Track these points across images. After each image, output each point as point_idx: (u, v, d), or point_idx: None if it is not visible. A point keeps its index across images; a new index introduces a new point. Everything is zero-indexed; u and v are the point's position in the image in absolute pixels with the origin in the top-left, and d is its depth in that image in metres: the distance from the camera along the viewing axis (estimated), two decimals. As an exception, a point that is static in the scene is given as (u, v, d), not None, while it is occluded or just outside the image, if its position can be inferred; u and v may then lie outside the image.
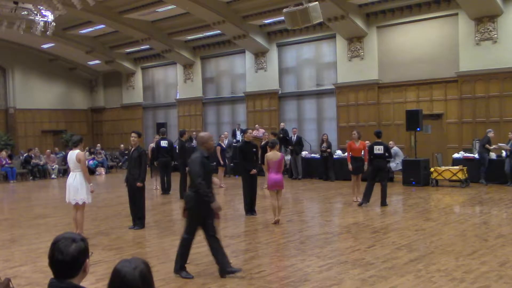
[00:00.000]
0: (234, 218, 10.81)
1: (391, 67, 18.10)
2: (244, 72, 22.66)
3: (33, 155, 21.82)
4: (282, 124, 19.68)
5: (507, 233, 8.42)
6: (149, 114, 27.58)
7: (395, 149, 16.40)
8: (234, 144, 20.13)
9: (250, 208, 10.86)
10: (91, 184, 8.94)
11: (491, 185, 14.46)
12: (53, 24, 16.92)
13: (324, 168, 17.37)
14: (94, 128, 30.48)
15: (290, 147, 18.10)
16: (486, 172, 14.70)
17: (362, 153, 12.28)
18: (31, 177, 21.44)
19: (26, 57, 27.22)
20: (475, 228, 8.96)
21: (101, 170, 23.10)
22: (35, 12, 16.70)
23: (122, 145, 25.65)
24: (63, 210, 11.76)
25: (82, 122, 30.00)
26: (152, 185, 15.65)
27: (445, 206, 11.59)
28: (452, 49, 16.69)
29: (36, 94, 27.63)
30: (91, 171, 21.29)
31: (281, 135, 18.18)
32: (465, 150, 15.82)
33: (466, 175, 14.42)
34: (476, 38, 16.07)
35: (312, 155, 18.83)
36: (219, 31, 21.59)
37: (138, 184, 9.51)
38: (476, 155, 15.07)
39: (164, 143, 14.74)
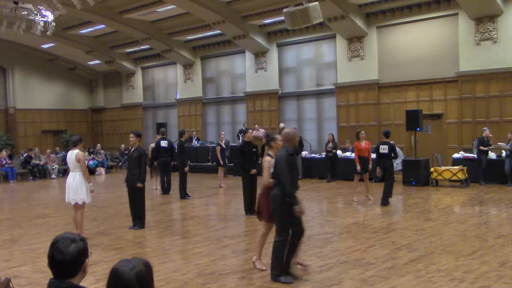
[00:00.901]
0: (234, 218, 10.82)
1: (391, 67, 18.10)
2: (244, 72, 22.67)
3: (33, 155, 21.82)
4: (282, 124, 19.66)
5: (507, 233, 8.42)
6: (149, 114, 27.59)
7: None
8: (233, 144, 20.15)
9: (250, 208, 10.84)
10: (91, 184, 8.94)
11: (491, 185, 14.45)
12: (53, 24, 16.92)
13: (329, 168, 17.22)
14: (94, 128, 30.49)
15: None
16: (483, 173, 14.70)
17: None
18: (31, 177, 21.44)
19: (26, 57, 27.23)
20: (475, 228, 8.95)
21: (101, 170, 23.11)
22: (35, 12, 16.70)
23: (122, 145, 25.66)
24: (63, 210, 11.77)
25: (82, 122, 30.01)
26: (152, 185, 15.65)
27: (445, 206, 11.58)
28: (452, 49, 16.69)
29: (36, 94, 27.64)
30: (91, 171, 21.30)
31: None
32: (465, 150, 15.82)
33: (466, 175, 14.42)
34: (476, 38, 16.08)
35: (312, 155, 18.83)
36: (219, 31, 21.60)
37: (138, 184, 9.51)
38: (476, 156, 15.07)
39: (164, 143, 14.74)
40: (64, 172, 21.46)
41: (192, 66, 24.70)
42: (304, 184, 16.54)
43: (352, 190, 12.81)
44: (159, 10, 20.56)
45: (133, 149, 9.74)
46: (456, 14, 16.50)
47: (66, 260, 2.41)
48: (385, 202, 11.58)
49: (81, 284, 2.51)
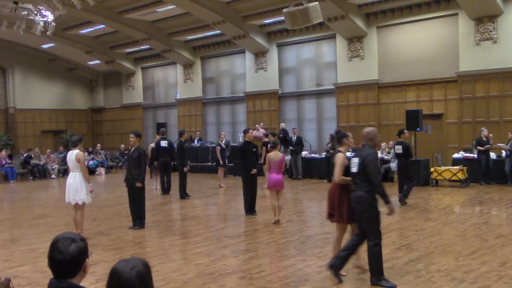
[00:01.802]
0: (234, 218, 10.82)
1: (391, 67, 18.10)
2: (244, 72, 22.67)
3: (33, 155, 21.83)
4: (282, 124, 19.68)
5: (507, 233, 8.42)
6: (149, 114, 27.59)
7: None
8: (233, 144, 20.15)
9: (250, 208, 10.86)
10: (90, 184, 8.94)
11: (491, 185, 14.45)
12: (53, 24, 16.91)
13: (327, 168, 17.15)
14: (94, 128, 30.49)
15: (290, 147, 18.09)
16: (482, 174, 14.70)
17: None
18: (31, 177, 21.44)
19: (26, 57, 27.22)
20: (475, 228, 8.95)
21: (101, 170, 23.11)
22: (35, 12, 16.70)
23: (122, 145, 25.66)
24: (63, 210, 11.76)
25: (82, 122, 30.01)
26: (152, 185, 15.65)
27: (445, 206, 11.59)
28: (452, 49, 16.69)
29: (36, 94, 27.63)
30: (91, 171, 21.31)
31: (281, 135, 18.18)
32: (465, 150, 15.81)
33: (466, 175, 14.42)
34: (476, 38, 16.08)
35: (312, 155, 18.83)
36: (219, 31, 21.60)
37: (138, 184, 9.51)
38: (476, 156, 15.08)
39: (164, 143, 14.73)
40: (64, 172, 21.47)
41: (192, 66, 24.70)
42: (304, 184, 16.56)
43: None
44: (159, 10, 20.56)
45: (133, 149, 9.74)
46: (456, 14, 16.50)
47: (66, 260, 2.41)
48: (403, 202, 11.55)
49: (81, 284, 2.51)
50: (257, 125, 20.03)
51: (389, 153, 16.53)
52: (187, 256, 7.59)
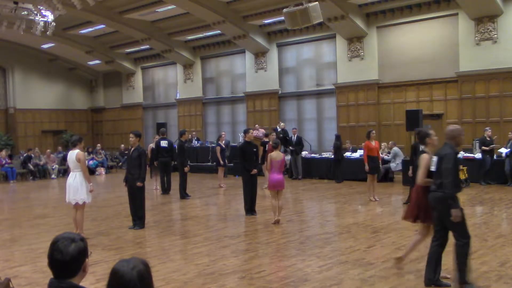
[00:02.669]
0: (234, 218, 10.82)
1: (391, 67, 18.10)
2: (244, 72, 22.67)
3: (33, 155, 21.82)
4: (282, 124, 19.69)
5: (507, 233, 8.42)
6: (149, 114, 27.59)
7: (395, 149, 16.41)
8: (233, 144, 20.16)
9: (250, 208, 10.86)
10: (91, 184, 8.95)
11: (491, 185, 14.45)
12: (53, 24, 16.91)
13: (333, 168, 17.11)
14: (94, 128, 30.49)
15: (290, 147, 18.08)
16: (485, 174, 14.70)
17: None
18: (31, 177, 21.44)
19: (26, 57, 27.22)
20: (475, 228, 8.94)
21: (101, 170, 23.11)
22: (35, 12, 16.70)
23: (122, 145, 25.66)
24: (63, 210, 11.76)
25: (82, 122, 30.01)
26: (152, 185, 15.65)
27: (445, 206, 11.56)
28: (452, 49, 16.69)
29: (36, 94, 27.64)
30: (91, 171, 21.29)
31: (281, 135, 18.18)
32: (465, 150, 15.81)
33: (466, 175, 14.41)
34: (476, 38, 16.08)
35: (312, 155, 18.82)
36: (219, 31, 21.60)
37: (138, 184, 9.52)
38: (476, 156, 15.08)
39: (164, 143, 14.74)
40: (64, 172, 21.47)
41: (192, 66, 24.70)
42: (304, 184, 16.56)
43: (368, 191, 12.61)
44: (159, 10, 20.56)
45: (133, 149, 9.74)
46: (456, 14, 16.50)
47: (66, 260, 2.41)
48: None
49: (81, 284, 2.51)
50: (256, 125, 20.03)
51: (389, 153, 16.54)
52: (187, 256, 7.59)
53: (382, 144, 16.58)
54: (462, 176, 14.33)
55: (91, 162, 22.39)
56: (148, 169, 12.29)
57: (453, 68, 16.61)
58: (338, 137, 17.03)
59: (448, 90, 16.96)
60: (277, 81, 21.49)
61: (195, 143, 22.65)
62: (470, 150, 15.61)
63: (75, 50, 25.73)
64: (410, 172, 11.60)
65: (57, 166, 22.23)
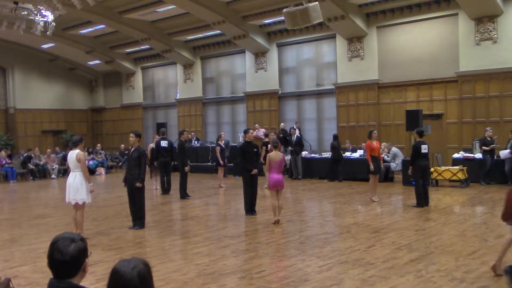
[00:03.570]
0: (234, 218, 10.81)
1: (391, 67, 18.10)
2: (244, 72, 22.67)
3: (33, 155, 21.82)
4: (282, 124, 19.68)
5: (507, 233, 8.40)
6: (149, 114, 27.59)
7: (394, 149, 16.42)
8: (233, 144, 20.15)
9: (250, 208, 10.86)
10: (91, 184, 8.95)
11: (491, 185, 14.45)
12: (53, 24, 16.92)
13: (332, 168, 17.14)
14: (94, 128, 30.49)
15: (290, 147, 18.08)
16: (485, 174, 14.69)
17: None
18: (31, 177, 21.44)
19: (26, 57, 27.23)
20: (475, 228, 8.95)
21: (101, 170, 23.11)
22: (35, 12, 16.71)
23: (122, 145, 25.66)
24: (63, 210, 11.76)
25: (82, 122, 30.01)
26: (152, 185, 15.66)
27: (445, 206, 11.58)
28: (452, 49, 16.69)
29: (36, 94, 27.64)
30: (91, 171, 21.29)
31: (281, 135, 18.18)
32: (465, 150, 15.81)
33: (466, 175, 14.42)
34: (476, 38, 16.07)
35: (312, 155, 18.82)
36: (219, 31, 21.60)
37: (138, 184, 9.51)
38: (476, 155, 15.08)
39: (164, 143, 14.74)
40: (64, 172, 21.47)
41: (192, 66, 24.71)
42: (304, 184, 16.56)
43: (370, 191, 12.53)
44: (159, 10, 20.57)
45: (133, 149, 9.74)
46: (456, 14, 16.50)
47: (66, 260, 2.41)
48: (428, 202, 11.35)
49: (81, 284, 2.51)
50: (256, 125, 20.03)
51: (388, 153, 16.53)
52: (187, 256, 7.59)
53: (382, 144, 16.58)
54: (462, 176, 14.35)
55: (91, 162, 22.39)
56: (148, 169, 12.30)
57: (453, 68, 16.61)
58: (335, 137, 17.08)
59: (448, 90, 16.96)
60: (277, 81, 21.49)
61: (195, 143, 22.65)
62: (470, 150, 15.61)
63: (75, 50, 25.75)
64: (410, 171, 11.64)
65: (57, 166, 22.23)
